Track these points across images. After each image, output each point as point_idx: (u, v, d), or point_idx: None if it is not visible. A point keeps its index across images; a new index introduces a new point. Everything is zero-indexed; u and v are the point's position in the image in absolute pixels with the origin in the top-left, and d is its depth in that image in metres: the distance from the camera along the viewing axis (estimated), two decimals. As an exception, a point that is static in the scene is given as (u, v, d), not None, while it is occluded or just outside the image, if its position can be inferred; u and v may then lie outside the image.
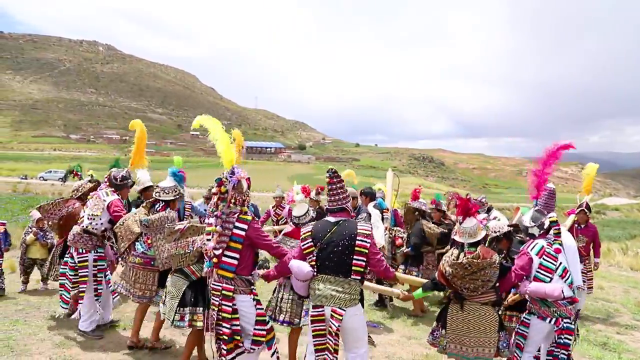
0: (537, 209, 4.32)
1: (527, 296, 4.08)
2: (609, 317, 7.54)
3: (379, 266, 3.68)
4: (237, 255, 3.65)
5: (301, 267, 3.62)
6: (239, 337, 3.60)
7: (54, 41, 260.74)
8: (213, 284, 3.68)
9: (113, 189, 5.40)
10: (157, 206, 4.79)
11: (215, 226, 3.66)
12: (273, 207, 8.81)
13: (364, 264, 3.56)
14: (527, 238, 4.18)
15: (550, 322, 3.92)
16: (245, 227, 3.67)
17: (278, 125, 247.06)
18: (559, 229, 4.10)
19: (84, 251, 5.12)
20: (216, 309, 3.62)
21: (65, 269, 5.27)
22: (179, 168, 5.71)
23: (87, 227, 5.10)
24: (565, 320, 3.89)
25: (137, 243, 4.78)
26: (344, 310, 3.50)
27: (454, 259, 3.80)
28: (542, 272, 3.91)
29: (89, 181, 6.06)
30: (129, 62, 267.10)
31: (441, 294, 4.36)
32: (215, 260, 3.64)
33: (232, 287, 3.64)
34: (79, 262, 5.10)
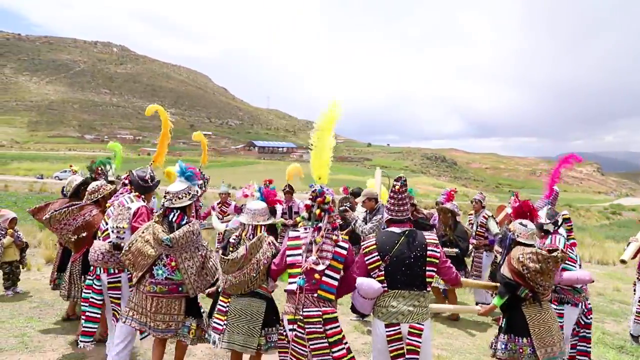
0: (551, 207, 4.64)
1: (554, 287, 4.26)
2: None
3: (450, 274, 3.56)
4: (338, 276, 3.36)
5: (371, 284, 3.35)
6: (352, 355, 3.35)
7: (69, 43, 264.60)
8: (306, 311, 3.28)
9: (138, 192, 4.47)
10: (171, 217, 3.93)
11: (318, 237, 3.41)
12: (218, 204, 8.80)
13: (434, 274, 3.46)
14: (542, 234, 4.40)
15: (581, 306, 4.33)
16: (347, 246, 3.45)
17: (290, 125, 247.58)
18: (572, 225, 4.60)
19: (116, 271, 4.30)
20: (322, 335, 3.25)
21: (89, 292, 4.34)
22: (114, 157, 5.50)
23: (116, 242, 4.25)
24: (588, 302, 4.42)
25: (154, 267, 3.88)
26: (423, 325, 3.35)
27: (540, 253, 3.63)
28: (569, 263, 4.24)
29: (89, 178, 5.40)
30: (142, 62, 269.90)
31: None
32: (317, 276, 3.31)
33: (334, 309, 3.37)
34: (110, 283, 4.30)
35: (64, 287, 4.97)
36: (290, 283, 3.42)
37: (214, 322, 3.79)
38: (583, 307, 4.32)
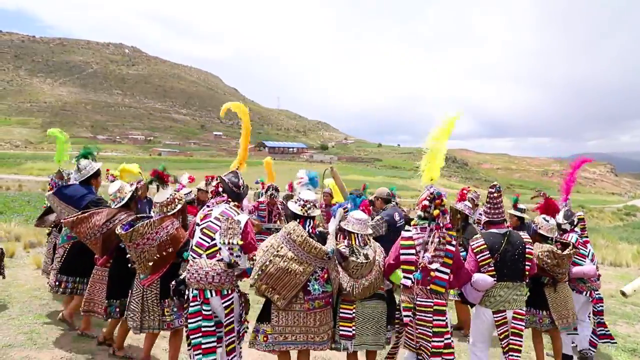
0: (568, 209, 5.21)
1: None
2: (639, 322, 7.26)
3: (534, 270, 4.25)
4: (448, 271, 3.75)
5: (485, 279, 3.89)
6: (451, 350, 3.73)
7: (82, 44, 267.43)
8: (420, 300, 3.71)
9: (233, 201, 3.99)
10: (307, 226, 3.81)
11: (434, 237, 3.74)
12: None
13: (529, 268, 4.10)
14: (561, 232, 5.02)
15: (585, 294, 5.08)
16: (455, 243, 3.85)
17: (300, 125, 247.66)
18: (585, 224, 5.29)
19: (229, 291, 3.81)
20: (429, 324, 3.67)
21: (197, 320, 3.75)
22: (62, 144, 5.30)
23: (230, 261, 3.75)
24: (596, 293, 5.13)
25: (309, 284, 3.69)
26: (523, 311, 4.07)
27: (555, 252, 4.46)
28: (578, 258, 4.93)
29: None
30: (153, 64, 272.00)
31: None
32: (433, 274, 3.69)
33: (445, 302, 3.76)
34: (227, 306, 3.80)
35: (135, 317, 4.14)
36: (405, 278, 3.78)
37: (342, 330, 3.89)
38: (588, 295, 5.09)
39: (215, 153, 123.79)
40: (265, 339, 3.77)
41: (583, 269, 4.88)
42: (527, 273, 4.08)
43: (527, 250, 4.07)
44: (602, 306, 5.20)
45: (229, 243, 3.73)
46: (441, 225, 3.76)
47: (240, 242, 3.75)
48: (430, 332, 3.65)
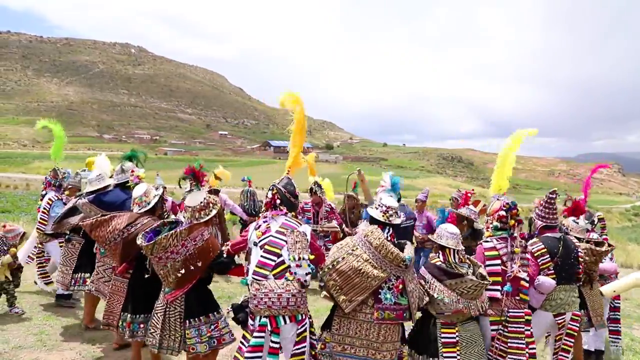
0: (587, 210, 5.25)
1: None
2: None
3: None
4: (528, 279, 3.81)
5: (550, 281, 3.91)
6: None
7: (89, 44, 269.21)
8: (512, 312, 3.74)
9: (289, 211, 3.62)
10: (386, 232, 3.48)
11: (517, 247, 3.78)
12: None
13: (581, 270, 4.25)
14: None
15: None
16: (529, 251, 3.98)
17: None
18: (605, 223, 5.45)
19: (303, 316, 3.40)
20: (521, 335, 3.70)
21: (258, 355, 3.25)
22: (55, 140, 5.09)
23: (304, 279, 3.37)
24: None
25: (381, 291, 3.35)
26: (579, 312, 4.21)
27: (594, 249, 4.42)
28: None
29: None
30: (159, 63, 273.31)
31: None
32: (523, 283, 3.74)
33: (530, 311, 3.84)
34: (300, 333, 3.36)
35: (155, 333, 3.61)
36: (492, 290, 3.73)
37: (446, 356, 3.56)
38: None
39: (221, 152, 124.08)
40: (323, 346, 3.50)
41: (604, 266, 5.01)
42: (580, 275, 4.24)
43: (579, 254, 4.24)
44: (619, 302, 5.32)
45: (299, 259, 3.37)
46: (517, 235, 3.81)
47: (312, 257, 3.44)
48: (523, 343, 3.66)
